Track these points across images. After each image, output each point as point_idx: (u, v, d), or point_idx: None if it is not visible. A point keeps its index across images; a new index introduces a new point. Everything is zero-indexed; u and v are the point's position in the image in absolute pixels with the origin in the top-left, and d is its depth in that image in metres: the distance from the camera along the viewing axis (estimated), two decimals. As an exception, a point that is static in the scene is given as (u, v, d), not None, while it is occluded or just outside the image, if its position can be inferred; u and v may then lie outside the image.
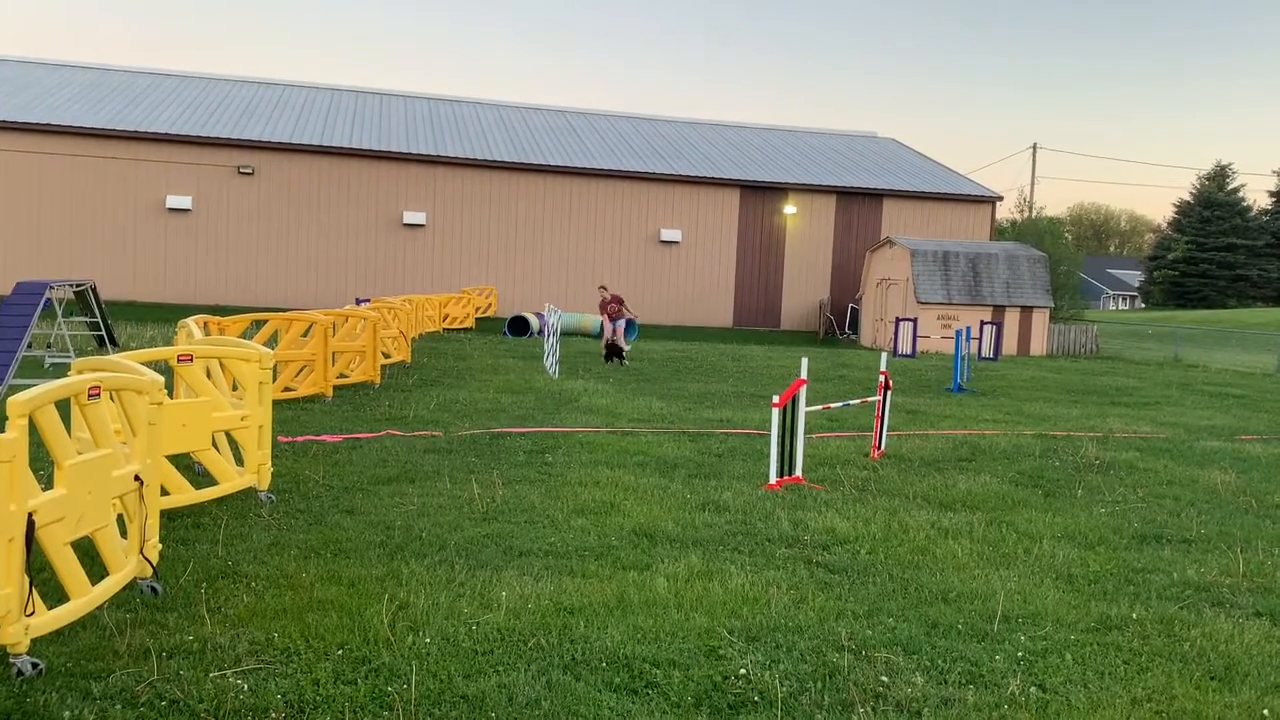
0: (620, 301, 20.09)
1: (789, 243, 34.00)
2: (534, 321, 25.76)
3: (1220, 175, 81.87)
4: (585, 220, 32.44)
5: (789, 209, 33.76)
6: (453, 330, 25.87)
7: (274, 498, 6.91)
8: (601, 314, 19.70)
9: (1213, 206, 79.71)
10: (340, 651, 4.26)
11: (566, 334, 23.00)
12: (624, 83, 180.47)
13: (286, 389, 11.72)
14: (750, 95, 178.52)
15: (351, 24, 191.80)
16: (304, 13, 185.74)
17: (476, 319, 28.49)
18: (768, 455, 8.14)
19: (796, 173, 35.08)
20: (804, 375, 8.47)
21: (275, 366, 8.88)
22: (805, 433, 8.56)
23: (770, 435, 8.05)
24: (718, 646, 4.50)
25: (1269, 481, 9.36)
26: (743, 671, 4.22)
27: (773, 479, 7.97)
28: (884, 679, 4.21)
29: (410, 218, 30.92)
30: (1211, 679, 4.38)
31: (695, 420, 11.71)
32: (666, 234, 32.84)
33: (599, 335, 26.10)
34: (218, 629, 4.45)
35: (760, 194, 33.73)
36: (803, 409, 8.35)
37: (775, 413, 7.93)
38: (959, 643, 4.70)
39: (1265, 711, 4.01)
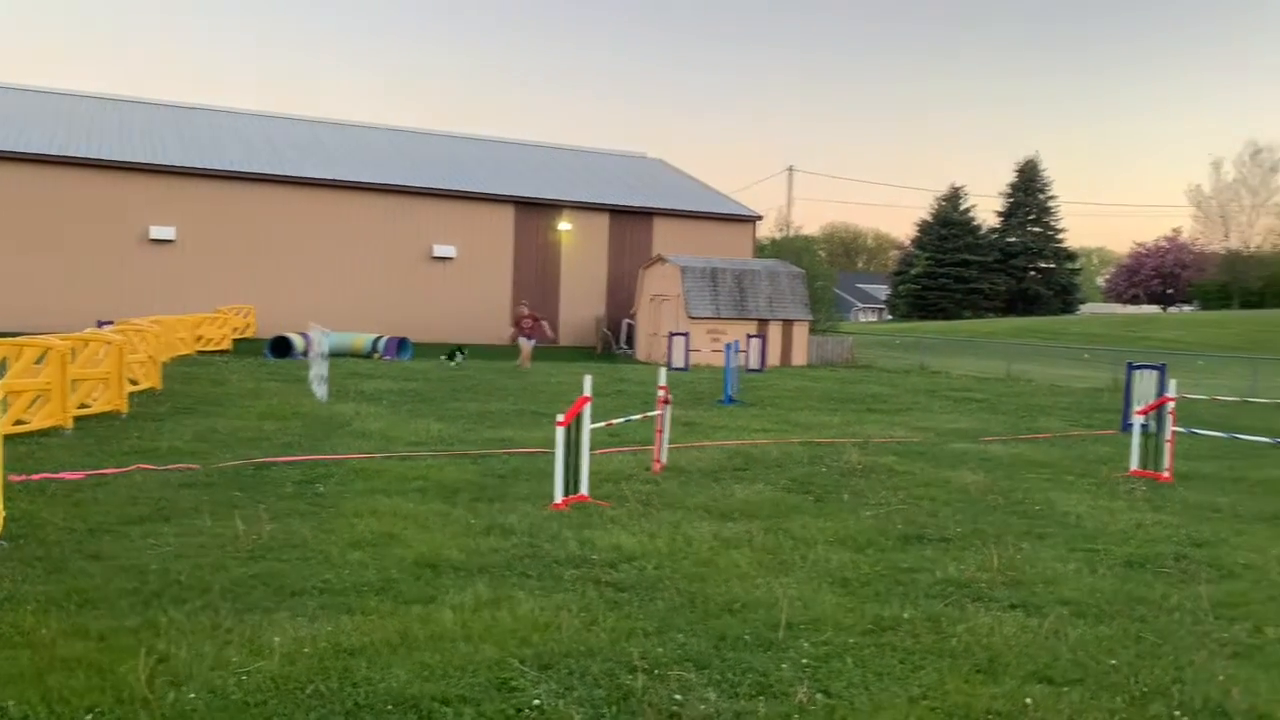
0: (535, 319, 22.45)
1: (565, 259, 34.21)
2: (298, 342, 24.55)
3: (955, 197, 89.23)
4: (353, 236, 31.34)
5: (564, 226, 33.98)
6: (208, 353, 24.27)
7: (5, 544, 6.17)
8: (516, 329, 21.82)
9: (949, 225, 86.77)
10: (90, 716, 3.82)
11: (335, 355, 22.06)
12: (397, 96, 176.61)
13: (19, 422, 10.57)
14: (519, 113, 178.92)
15: (79, 25, 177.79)
16: (26, 11, 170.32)
17: (234, 340, 26.87)
18: (552, 474, 8.06)
19: (570, 190, 35.37)
20: (587, 392, 8.45)
21: (5, 398, 7.96)
22: (590, 449, 8.53)
23: (555, 454, 7.97)
24: (510, 678, 4.36)
25: (1012, 480, 10.17)
26: (536, 702, 4.11)
27: (558, 498, 7.90)
28: (677, 697, 4.21)
29: (157, 232, 28.83)
30: (978, 672, 4.64)
31: (476, 441, 11.47)
32: (439, 250, 32.26)
33: (367, 354, 25.25)
34: (-65, 704, 3.88)
35: (535, 211, 33.76)
36: (588, 426, 8.33)
37: (560, 431, 7.86)
38: (747, 654, 4.78)
39: (1027, 700, 4.29)
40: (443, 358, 23.90)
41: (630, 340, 33.20)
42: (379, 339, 26.27)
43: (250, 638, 4.70)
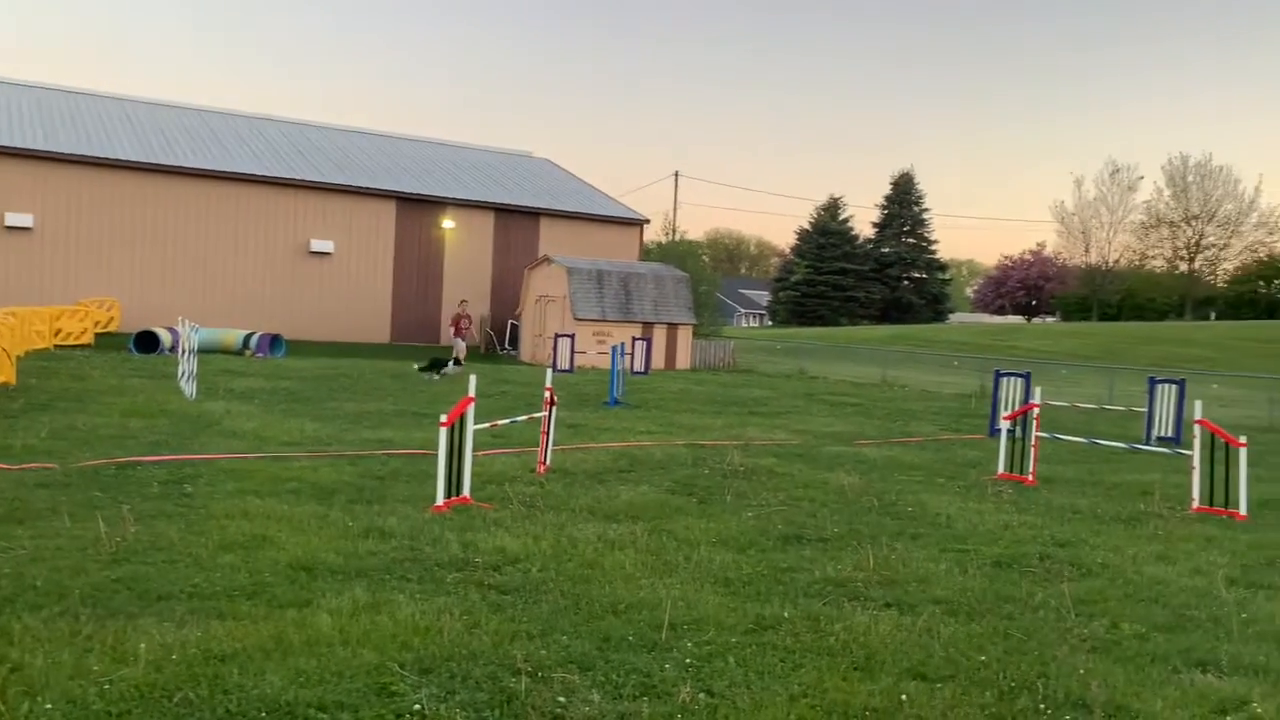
0: (467, 319, 23.14)
1: (448, 257, 33.71)
2: (165, 337, 23.54)
3: (834, 207, 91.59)
4: (225, 228, 30.20)
5: (447, 223, 33.48)
6: (67, 347, 23.05)
7: None
8: (455, 329, 22.48)
9: (827, 234, 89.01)
10: (-71, 733, 3.57)
11: (205, 351, 21.24)
12: (273, 87, 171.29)
13: None
14: (403, 108, 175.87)
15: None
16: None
17: (96, 335, 25.61)
18: (434, 476, 7.92)
19: (455, 188, 34.88)
20: (471, 393, 8.34)
21: None
22: (473, 450, 8.42)
23: (438, 455, 7.83)
24: (389, 683, 4.25)
25: (885, 481, 10.46)
26: (417, 707, 4.02)
27: (440, 500, 7.76)
28: (561, 699, 4.18)
29: (14, 220, 27.23)
30: (855, 669, 4.75)
31: (354, 442, 11.20)
32: (317, 245, 31.36)
33: (239, 352, 24.40)
34: None
35: (418, 207, 33.17)
36: (471, 427, 8.22)
37: (443, 432, 7.73)
38: (631, 655, 4.78)
39: (903, 696, 4.40)
40: (416, 367, 21.17)
41: (515, 341, 32.96)
42: (251, 336, 25.40)
43: (113, 645, 4.47)
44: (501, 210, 34.72)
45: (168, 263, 29.29)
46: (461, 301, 25.77)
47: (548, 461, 9.92)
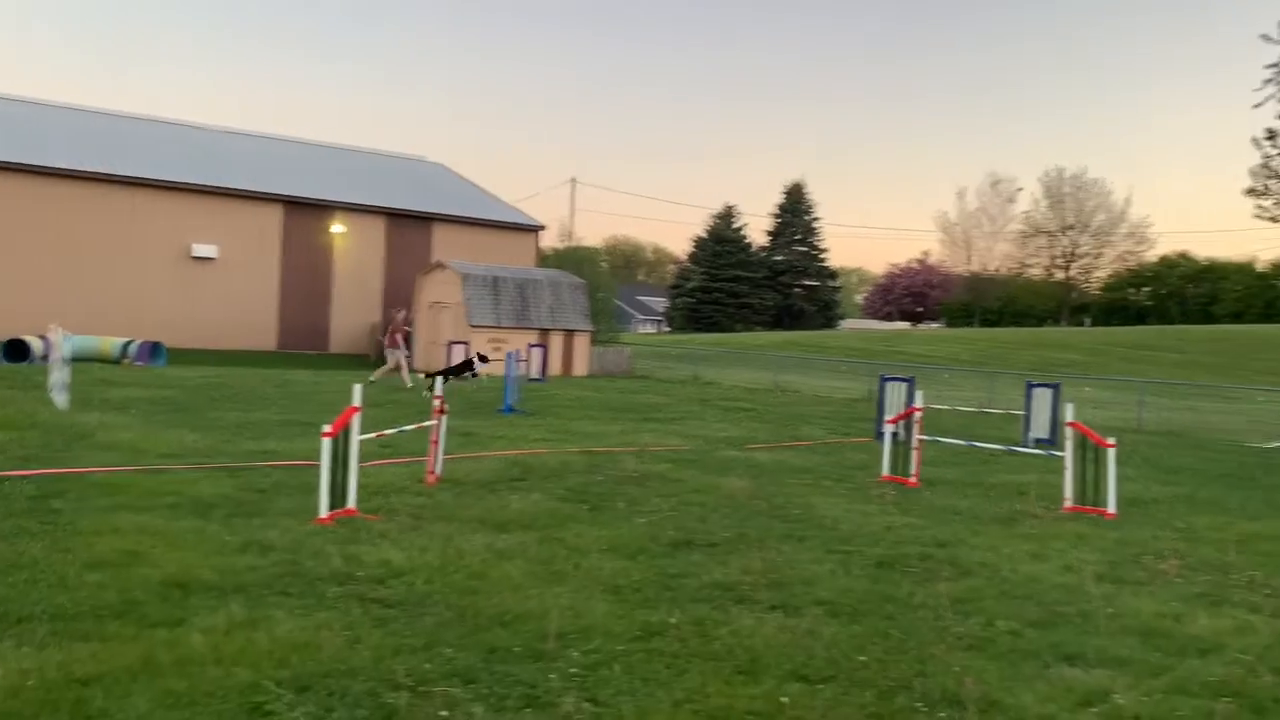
0: (394, 331, 22.51)
1: (338, 263, 33.01)
2: (36, 345, 22.45)
3: (728, 215, 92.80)
4: (101, 231, 28.97)
5: (337, 228, 32.78)
6: (-72, 356, 21.79)
7: None
8: (390, 340, 22.14)
9: (723, 242, 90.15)
10: None
11: (79, 360, 20.30)
12: (159, 89, 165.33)
13: None
14: (292, 111, 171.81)
15: None
16: None
17: (-39, 342, 24.27)
18: (317, 488, 7.72)
19: (345, 191, 34.16)
20: (357, 402, 8.17)
21: None
22: (359, 461, 8.25)
23: (321, 466, 7.64)
24: (264, 702, 4.12)
25: (775, 485, 10.62)
26: (293, 727, 3.91)
27: (323, 513, 7.57)
28: (443, 713, 4.12)
29: None
30: (739, 673, 4.80)
31: (235, 453, 10.85)
32: (200, 249, 30.34)
33: (116, 360, 23.44)
34: None
35: (306, 211, 32.39)
36: (356, 437, 8.05)
37: (326, 442, 7.55)
38: (516, 666, 4.74)
39: (783, 698, 4.47)
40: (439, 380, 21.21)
41: (408, 348, 32.42)
42: (130, 343, 24.42)
43: (-37, 673, 4.22)
44: (394, 215, 34.17)
45: (38, 267, 27.92)
46: (399, 310, 25.03)
47: (438, 471, 9.78)
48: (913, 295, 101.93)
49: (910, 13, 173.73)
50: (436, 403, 9.90)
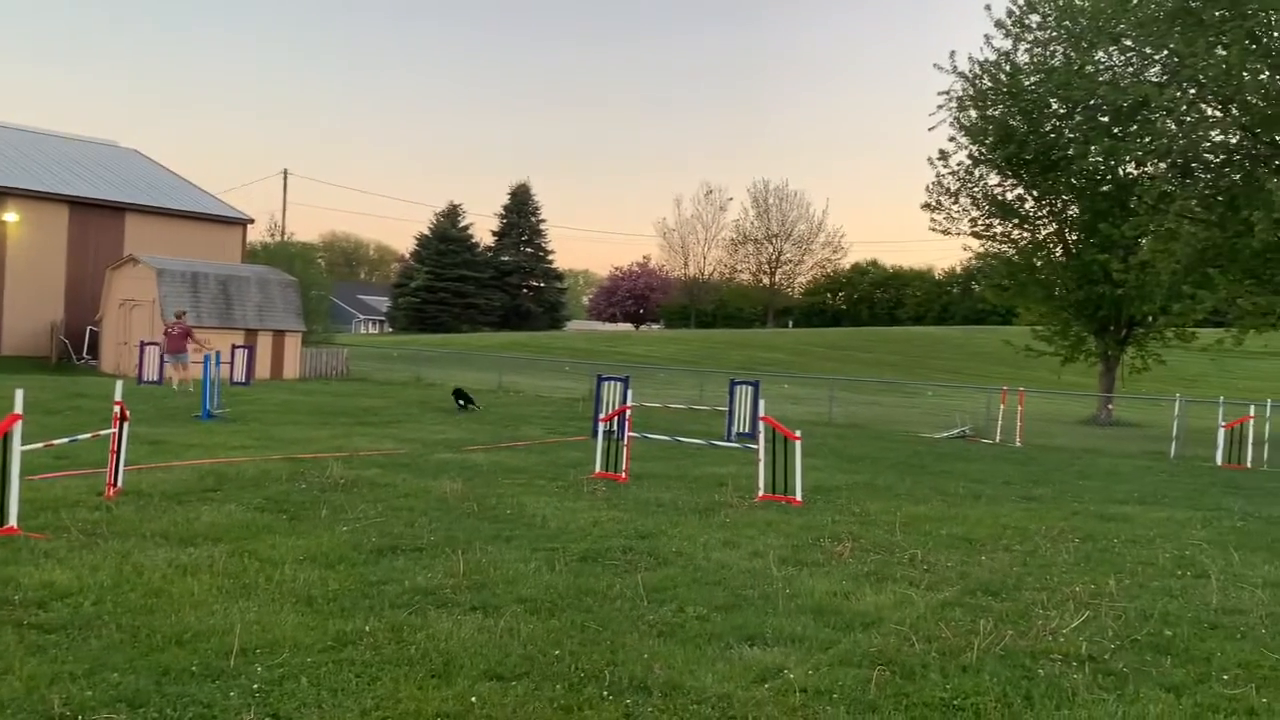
0: (187, 334, 21.48)
1: (11, 256, 29.70)
2: None
3: (454, 214, 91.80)
4: None
5: (10, 217, 29.49)
6: None
7: None
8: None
9: (448, 241, 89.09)
10: None
11: None
12: None
13: None
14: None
15: None
16: None
17: None
18: (-31, 505, 6.92)
19: (19, 176, 30.79)
20: (19, 409, 7.39)
21: None
22: (26, 474, 7.47)
23: (-29, 482, 6.86)
24: (-118, 750, 3.66)
25: (488, 486, 10.64)
26: (-83, 775, 3.49)
27: (-25, 533, 6.80)
28: (104, 744, 3.82)
29: None
30: (432, 676, 4.77)
31: None
32: None
33: None
34: None
35: (-30, 197, 28.91)
36: (17, 448, 7.28)
37: (-23, 455, 6.78)
38: (192, 686, 4.47)
39: (474, 699, 4.49)
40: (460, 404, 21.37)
41: (96, 349, 29.72)
42: None
43: None
44: (78, 204, 31.19)
45: None
46: (180, 313, 23.01)
47: (119, 484, 9.03)
48: (635, 298, 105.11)
49: (632, 21, 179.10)
50: (116, 409, 9.13)
